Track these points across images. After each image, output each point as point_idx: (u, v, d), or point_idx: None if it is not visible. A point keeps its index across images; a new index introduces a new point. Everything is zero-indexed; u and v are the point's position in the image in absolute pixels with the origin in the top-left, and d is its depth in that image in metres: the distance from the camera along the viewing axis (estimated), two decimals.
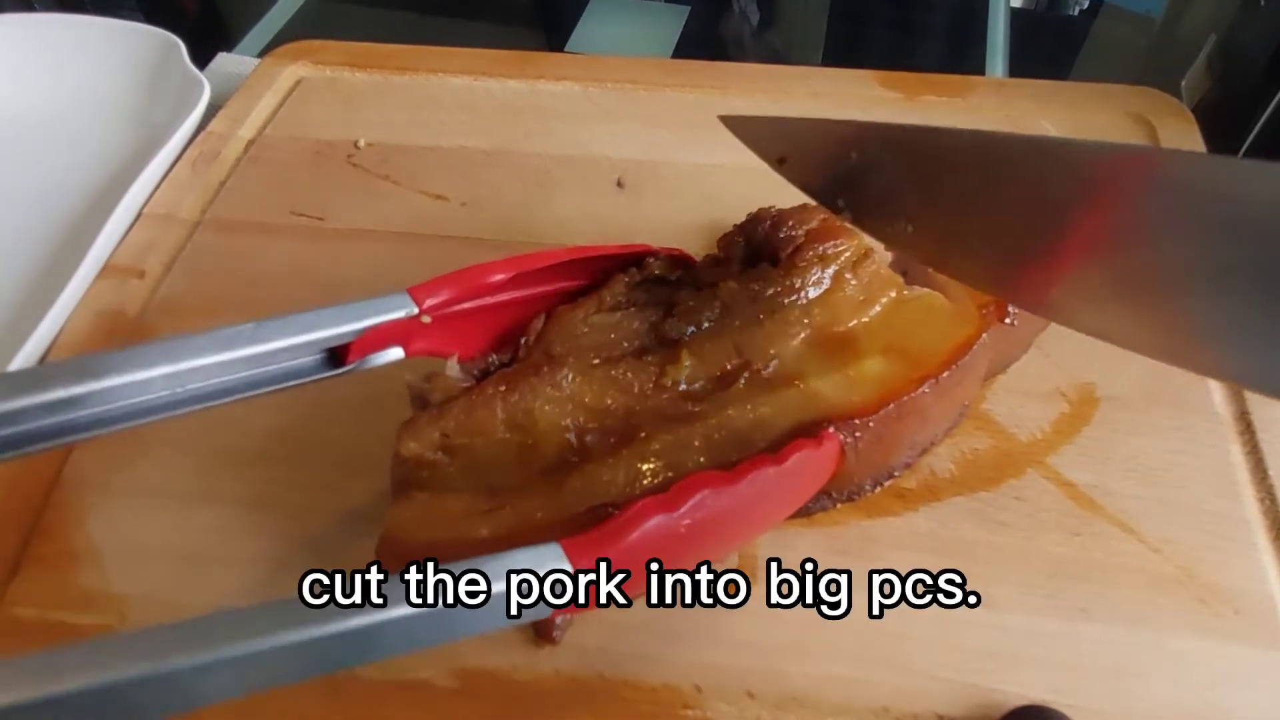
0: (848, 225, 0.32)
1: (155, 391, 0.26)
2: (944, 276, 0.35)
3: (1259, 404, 0.37)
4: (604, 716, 0.30)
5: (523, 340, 0.33)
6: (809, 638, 0.32)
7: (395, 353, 0.30)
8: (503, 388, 0.30)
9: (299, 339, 0.28)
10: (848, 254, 0.35)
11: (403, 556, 0.27)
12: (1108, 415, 0.37)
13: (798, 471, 0.29)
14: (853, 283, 0.35)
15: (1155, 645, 0.31)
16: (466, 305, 0.32)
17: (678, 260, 0.36)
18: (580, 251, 0.34)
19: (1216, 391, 0.38)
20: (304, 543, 0.34)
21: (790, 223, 0.36)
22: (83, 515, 0.35)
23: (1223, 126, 0.52)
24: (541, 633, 0.31)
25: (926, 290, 0.35)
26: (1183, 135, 0.49)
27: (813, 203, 0.33)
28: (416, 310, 0.30)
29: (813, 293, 0.34)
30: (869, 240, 0.33)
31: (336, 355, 0.29)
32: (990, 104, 0.52)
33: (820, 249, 0.35)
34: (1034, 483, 0.35)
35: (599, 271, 0.36)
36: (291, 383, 0.29)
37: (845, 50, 0.72)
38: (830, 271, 0.34)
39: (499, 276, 0.32)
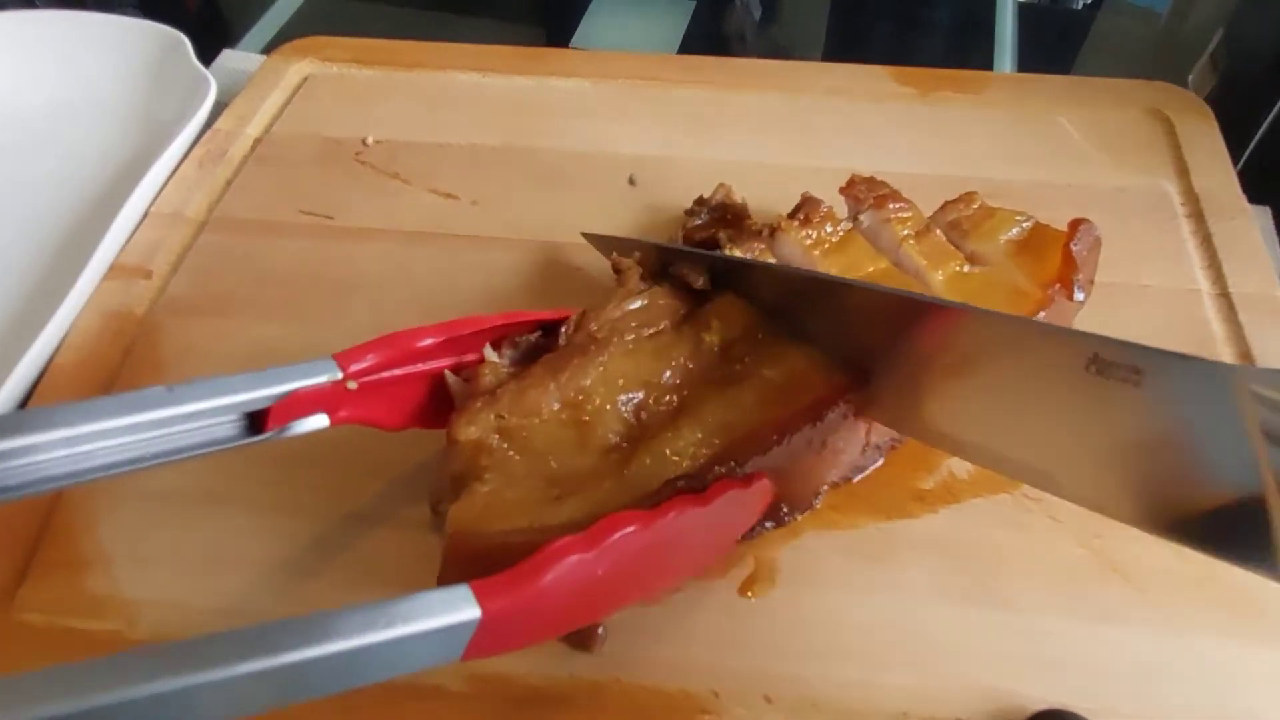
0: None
1: (51, 452, 0.24)
2: (1003, 257, 0.36)
3: None
4: None
5: (563, 330, 0.33)
6: (827, 642, 0.31)
7: (319, 420, 0.29)
8: (552, 368, 0.31)
9: (215, 402, 0.26)
10: (911, 220, 0.37)
11: (474, 553, 0.27)
12: None
13: (725, 511, 0.28)
14: (916, 247, 0.36)
15: (1179, 648, 0.31)
16: (395, 372, 0.31)
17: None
18: (513, 317, 0.33)
19: None
20: (315, 546, 0.34)
21: (859, 188, 0.38)
22: (91, 520, 0.35)
23: (1230, 121, 0.52)
24: (583, 642, 0.31)
25: (988, 267, 0.36)
26: (1200, 130, 0.49)
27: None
28: (341, 375, 0.29)
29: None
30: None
31: (256, 421, 0.28)
32: (1005, 100, 0.51)
33: (890, 209, 0.37)
34: None
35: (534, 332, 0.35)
36: (206, 450, 0.27)
37: (847, 44, 0.72)
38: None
39: (428, 341, 0.31)
